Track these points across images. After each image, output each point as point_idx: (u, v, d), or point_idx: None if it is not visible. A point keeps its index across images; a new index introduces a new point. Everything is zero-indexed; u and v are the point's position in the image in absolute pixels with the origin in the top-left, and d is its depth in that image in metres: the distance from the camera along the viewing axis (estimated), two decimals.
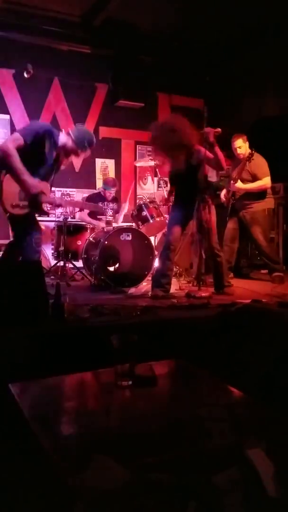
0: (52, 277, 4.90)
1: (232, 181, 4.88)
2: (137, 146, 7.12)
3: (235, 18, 5.63)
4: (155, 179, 6.97)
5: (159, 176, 5.52)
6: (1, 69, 6.02)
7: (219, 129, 3.77)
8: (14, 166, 3.25)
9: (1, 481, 1.49)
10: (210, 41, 6.27)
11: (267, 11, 5.43)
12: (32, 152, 3.32)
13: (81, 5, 5.79)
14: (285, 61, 5.95)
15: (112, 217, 5.32)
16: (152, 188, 7.05)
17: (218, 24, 5.81)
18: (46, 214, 3.95)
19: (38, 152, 3.37)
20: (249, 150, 4.90)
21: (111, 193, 5.51)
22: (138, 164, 6.66)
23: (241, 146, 4.93)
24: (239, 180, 4.86)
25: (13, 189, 3.34)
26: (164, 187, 4.73)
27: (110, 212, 5.12)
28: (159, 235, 5.43)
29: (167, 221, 4.81)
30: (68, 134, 3.60)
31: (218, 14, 5.58)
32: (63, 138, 3.57)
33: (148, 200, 4.98)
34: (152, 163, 5.40)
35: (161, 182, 5.40)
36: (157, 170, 5.49)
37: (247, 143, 4.97)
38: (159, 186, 6.42)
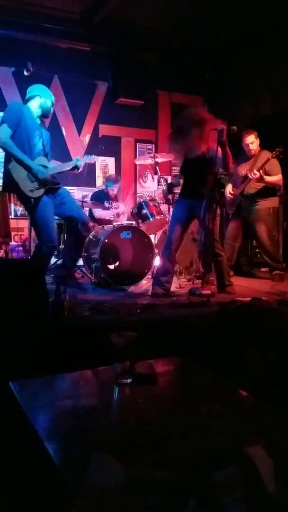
0: (52, 275, 4.90)
1: (260, 171, 4.75)
2: (137, 144, 7.11)
3: (235, 16, 5.62)
4: (155, 177, 6.97)
5: (159, 174, 5.51)
6: (0, 67, 6.01)
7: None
8: (17, 156, 3.54)
9: (0, 479, 1.49)
10: (210, 39, 6.25)
11: (266, 11, 5.43)
12: (20, 132, 3.63)
13: (81, 2, 5.77)
14: (283, 59, 5.95)
15: (113, 216, 5.33)
16: (152, 186, 7.05)
17: (217, 22, 5.80)
18: (58, 185, 4.01)
19: (24, 130, 3.67)
20: (259, 148, 4.91)
21: (113, 189, 5.52)
22: (138, 162, 6.65)
23: (253, 142, 4.93)
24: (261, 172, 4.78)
25: (23, 175, 3.59)
26: (164, 185, 4.70)
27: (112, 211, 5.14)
28: (159, 233, 5.43)
29: (167, 219, 4.81)
30: (31, 98, 3.90)
31: (217, 12, 5.57)
32: (33, 104, 3.87)
33: (148, 198, 4.98)
34: (151, 161, 5.40)
35: (161, 180, 5.39)
36: (157, 168, 5.48)
37: (258, 139, 4.97)
38: (159, 184, 6.42)
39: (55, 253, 5.16)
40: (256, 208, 4.95)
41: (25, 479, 1.34)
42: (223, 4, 5.37)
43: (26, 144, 3.66)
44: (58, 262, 4.98)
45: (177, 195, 4.23)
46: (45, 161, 3.83)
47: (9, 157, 3.65)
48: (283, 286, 4.31)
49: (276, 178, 4.84)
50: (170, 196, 4.53)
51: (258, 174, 4.72)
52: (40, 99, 3.87)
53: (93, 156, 4.32)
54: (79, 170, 4.03)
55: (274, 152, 4.71)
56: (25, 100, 3.90)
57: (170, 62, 6.71)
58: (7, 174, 3.66)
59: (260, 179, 4.77)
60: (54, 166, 3.95)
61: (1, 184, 4.07)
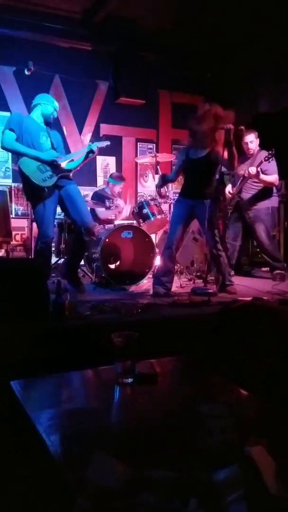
0: (53, 274, 4.90)
1: (255, 168, 4.72)
2: (138, 143, 7.11)
3: (236, 15, 5.62)
4: (156, 176, 6.96)
5: (160, 173, 5.50)
6: (1, 66, 6.01)
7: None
8: (24, 152, 3.73)
9: (1, 478, 1.49)
10: (211, 38, 6.25)
11: (267, 10, 5.43)
12: (25, 136, 3.80)
13: (82, 2, 5.77)
14: (284, 58, 5.95)
15: (114, 216, 5.32)
16: (153, 186, 7.03)
17: (218, 21, 5.79)
18: (69, 171, 4.06)
19: (27, 133, 3.83)
20: (258, 148, 4.90)
21: (120, 187, 5.50)
22: (139, 161, 6.65)
23: (253, 141, 4.93)
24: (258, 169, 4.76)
25: (32, 168, 3.74)
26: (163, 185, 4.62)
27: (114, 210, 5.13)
28: (160, 233, 5.43)
29: (168, 218, 4.81)
30: (34, 107, 4.05)
31: (219, 11, 5.56)
32: (35, 113, 4.01)
33: (149, 197, 4.97)
34: (152, 158, 5.38)
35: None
36: (158, 167, 5.47)
37: (258, 139, 4.96)
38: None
39: (56, 252, 5.17)
40: (253, 209, 4.96)
41: (26, 478, 1.34)
42: (223, 3, 5.37)
43: (31, 145, 3.79)
44: (61, 260, 4.98)
45: (169, 190, 4.17)
46: (57, 154, 3.90)
47: (18, 158, 3.79)
48: (284, 285, 4.31)
49: (272, 178, 4.84)
50: (162, 190, 4.43)
51: (255, 170, 4.69)
52: (40, 106, 4.00)
53: (106, 141, 4.25)
54: (95, 154, 4.07)
55: (267, 155, 4.70)
56: (30, 110, 4.06)
57: (171, 61, 6.71)
58: (21, 175, 3.76)
59: (257, 176, 4.76)
60: (69, 154, 4.06)
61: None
